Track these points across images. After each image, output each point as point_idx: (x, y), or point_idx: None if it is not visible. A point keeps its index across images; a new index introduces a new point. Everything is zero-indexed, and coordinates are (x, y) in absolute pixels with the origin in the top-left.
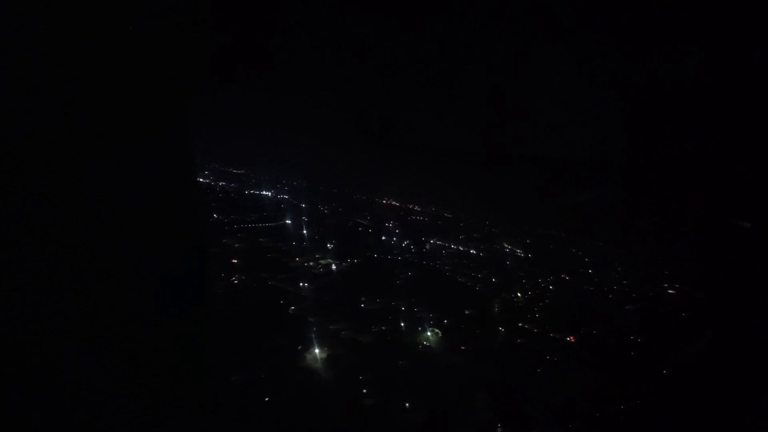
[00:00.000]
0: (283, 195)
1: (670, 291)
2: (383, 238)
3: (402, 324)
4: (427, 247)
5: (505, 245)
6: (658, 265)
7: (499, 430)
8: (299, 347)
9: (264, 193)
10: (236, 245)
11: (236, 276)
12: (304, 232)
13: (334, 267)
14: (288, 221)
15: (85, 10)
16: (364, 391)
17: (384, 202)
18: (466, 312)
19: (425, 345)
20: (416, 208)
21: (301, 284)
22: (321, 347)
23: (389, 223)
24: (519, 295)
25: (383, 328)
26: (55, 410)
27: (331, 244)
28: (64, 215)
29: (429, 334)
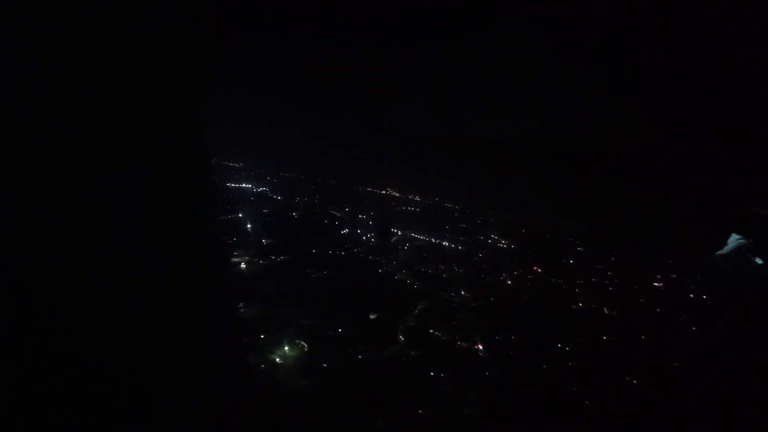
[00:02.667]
0: (264, 187)
1: (657, 284)
2: (344, 231)
3: (262, 336)
4: (393, 240)
5: (493, 236)
6: (654, 254)
7: None
8: None
9: (244, 185)
10: None
11: None
12: (248, 226)
13: (243, 266)
14: (240, 215)
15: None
16: None
17: (381, 192)
18: (371, 317)
19: (276, 361)
20: (416, 198)
21: None
22: None
23: (368, 214)
24: (463, 293)
25: (244, 340)
26: (54, 408)
27: (269, 239)
28: (70, 214)
29: (287, 348)
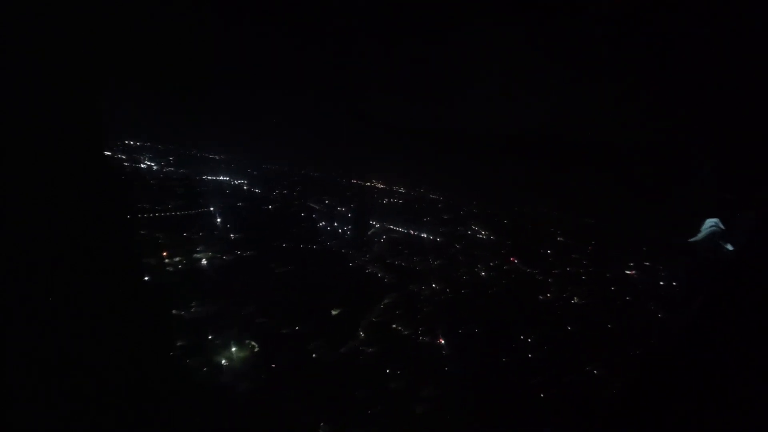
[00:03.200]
0: (242, 180)
1: (629, 272)
2: (320, 224)
3: (210, 336)
4: (370, 232)
5: (474, 227)
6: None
7: None
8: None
9: (221, 178)
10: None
11: None
12: (218, 220)
13: (204, 262)
14: (211, 209)
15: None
16: None
17: (365, 184)
18: (333, 313)
19: (221, 364)
20: (400, 189)
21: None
22: None
23: (348, 206)
24: (434, 286)
25: (184, 343)
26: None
27: (237, 234)
28: None
29: (235, 349)
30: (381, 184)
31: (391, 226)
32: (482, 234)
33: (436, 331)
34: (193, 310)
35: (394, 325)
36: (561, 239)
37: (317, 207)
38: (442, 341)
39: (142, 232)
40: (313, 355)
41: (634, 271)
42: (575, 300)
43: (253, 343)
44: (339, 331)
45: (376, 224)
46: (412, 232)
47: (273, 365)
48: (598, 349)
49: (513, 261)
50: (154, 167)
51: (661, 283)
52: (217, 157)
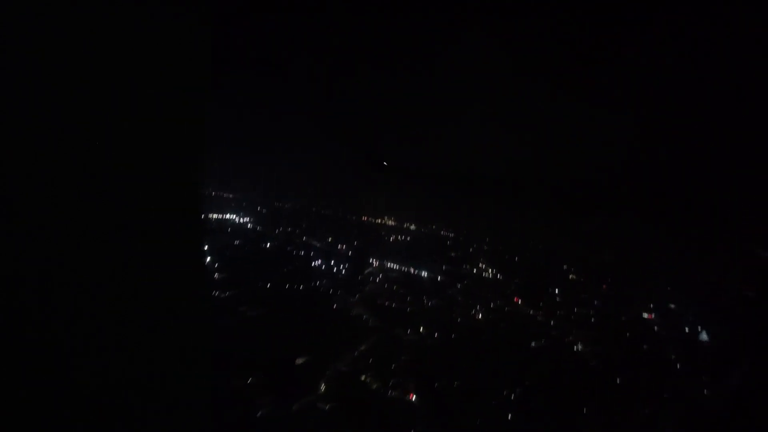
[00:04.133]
0: (247, 218)
1: (647, 315)
2: (315, 263)
3: None
4: (367, 271)
5: (481, 265)
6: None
7: None
8: None
9: (228, 216)
10: None
11: None
12: (207, 259)
13: None
14: (206, 247)
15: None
16: None
17: (376, 221)
18: (298, 362)
19: None
20: (411, 226)
21: None
22: None
23: (351, 244)
24: (421, 330)
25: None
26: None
27: (222, 273)
28: (67, 216)
29: None
30: (392, 221)
31: (391, 265)
32: (488, 272)
33: (408, 384)
34: None
35: (363, 377)
36: (573, 277)
37: (318, 245)
38: (413, 397)
39: None
40: (258, 414)
41: (652, 314)
42: (578, 347)
43: None
44: (298, 384)
45: (375, 262)
46: (412, 271)
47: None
48: (597, 413)
49: (516, 301)
50: None
51: (687, 329)
52: (231, 196)
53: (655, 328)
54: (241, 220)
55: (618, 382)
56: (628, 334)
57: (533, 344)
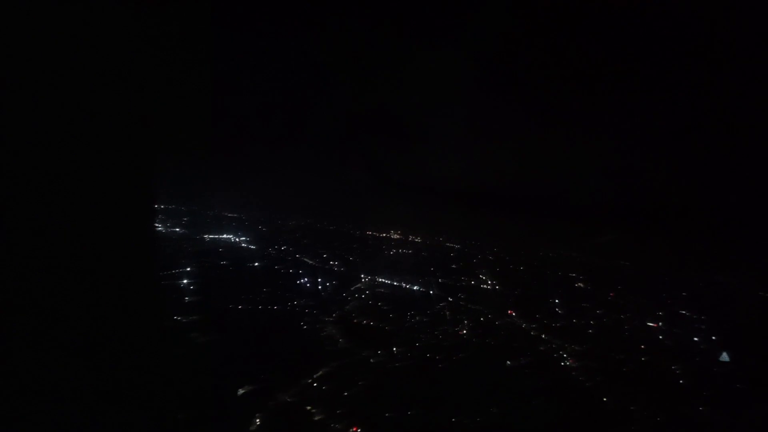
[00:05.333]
0: (244, 237)
1: (651, 324)
2: (300, 281)
3: None
4: (354, 287)
5: (481, 276)
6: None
7: None
8: None
9: (224, 236)
10: None
11: None
12: (183, 281)
13: None
14: (188, 269)
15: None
16: None
17: (381, 235)
18: (239, 392)
19: None
20: (416, 239)
21: None
22: None
23: (346, 260)
24: (394, 350)
25: None
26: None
27: (194, 297)
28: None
29: None
30: (398, 234)
31: (382, 279)
32: (487, 284)
33: (356, 416)
34: None
35: (309, 407)
36: (580, 285)
37: (310, 262)
38: (357, 430)
39: None
40: None
41: (660, 323)
42: (568, 362)
43: None
44: (232, 417)
45: (365, 278)
46: (404, 286)
47: None
48: None
49: (510, 314)
50: (158, 228)
51: (695, 339)
52: (234, 215)
53: (660, 337)
54: (237, 239)
55: (605, 400)
56: (627, 346)
57: (508, 363)
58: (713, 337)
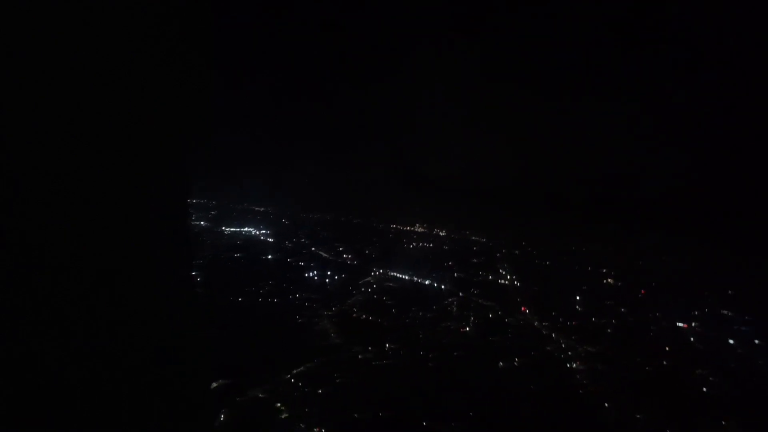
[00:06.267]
0: (265, 231)
1: (681, 324)
2: (308, 274)
3: None
4: (362, 281)
5: (501, 271)
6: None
7: None
8: None
9: (244, 230)
10: None
11: None
12: (192, 273)
13: None
14: (200, 261)
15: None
16: None
17: (405, 228)
18: (213, 386)
19: None
20: (441, 233)
21: None
22: None
23: (362, 253)
24: (387, 347)
25: None
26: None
27: (199, 289)
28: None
29: None
30: (422, 228)
31: (394, 273)
32: (506, 280)
33: (323, 415)
34: None
35: (279, 404)
36: (609, 281)
37: (326, 255)
38: (321, 431)
39: None
40: None
41: (694, 323)
42: (574, 364)
43: None
44: (196, 412)
45: (377, 272)
46: (416, 280)
47: None
48: None
49: (524, 311)
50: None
51: (731, 341)
52: (261, 209)
53: (691, 339)
54: (258, 233)
55: (606, 407)
56: (648, 349)
57: (501, 365)
58: (756, 341)
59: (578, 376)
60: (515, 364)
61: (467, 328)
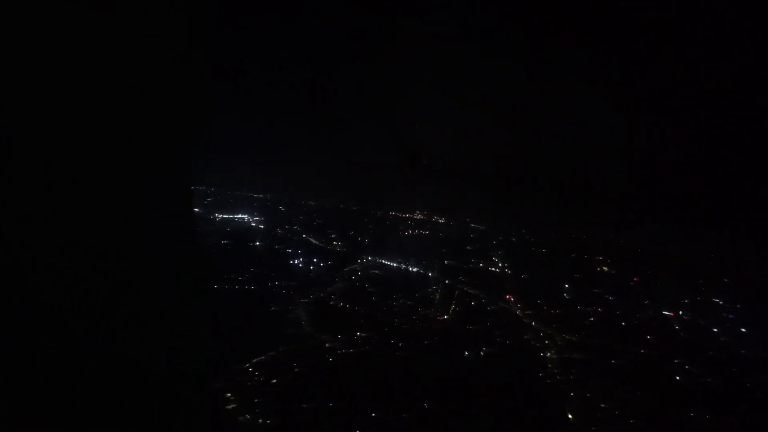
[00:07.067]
0: (258, 217)
1: (667, 312)
2: (294, 261)
3: None
4: (348, 269)
5: (494, 258)
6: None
7: None
8: None
9: (237, 216)
10: None
11: None
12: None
13: None
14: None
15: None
16: None
17: (403, 215)
18: None
19: None
20: (439, 220)
21: None
22: None
23: (353, 240)
24: (357, 335)
25: None
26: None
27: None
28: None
29: None
30: (421, 215)
31: (383, 261)
32: (498, 267)
33: (271, 407)
34: None
35: (229, 394)
36: (603, 269)
37: (315, 242)
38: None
39: None
40: None
41: (681, 311)
42: (548, 354)
43: None
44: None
45: (365, 259)
46: (403, 267)
47: None
48: None
49: (509, 299)
50: None
51: (715, 330)
52: (259, 196)
53: (676, 327)
54: (250, 219)
55: (572, 396)
56: (629, 337)
57: (466, 354)
58: (742, 330)
59: (549, 365)
60: (481, 354)
61: (445, 317)
